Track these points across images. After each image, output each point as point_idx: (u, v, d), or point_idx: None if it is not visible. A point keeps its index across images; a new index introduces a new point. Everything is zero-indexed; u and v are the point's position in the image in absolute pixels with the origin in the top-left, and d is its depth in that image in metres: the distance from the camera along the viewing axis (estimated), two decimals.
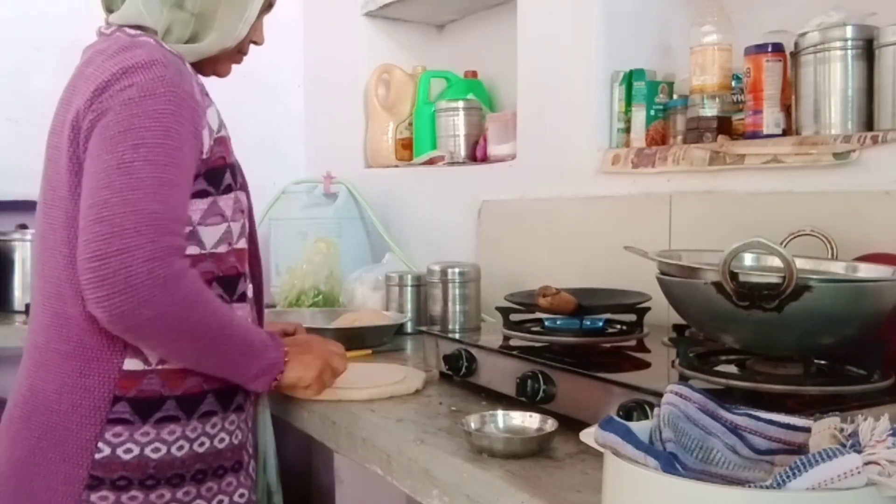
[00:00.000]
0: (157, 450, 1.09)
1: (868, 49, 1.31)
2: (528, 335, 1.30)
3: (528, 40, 1.91)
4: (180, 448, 1.11)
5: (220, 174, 1.15)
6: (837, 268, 1.13)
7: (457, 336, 1.42)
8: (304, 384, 1.22)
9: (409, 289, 1.92)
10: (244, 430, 1.20)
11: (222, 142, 1.16)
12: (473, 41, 2.51)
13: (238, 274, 1.18)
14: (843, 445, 0.65)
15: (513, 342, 1.31)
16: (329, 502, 2.52)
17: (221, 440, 1.15)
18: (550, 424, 1.03)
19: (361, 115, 2.59)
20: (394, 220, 2.35)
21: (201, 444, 1.13)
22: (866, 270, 1.09)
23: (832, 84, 1.33)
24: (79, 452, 1.08)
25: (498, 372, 1.24)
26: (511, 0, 2.02)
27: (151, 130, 1.02)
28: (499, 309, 1.38)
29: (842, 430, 0.68)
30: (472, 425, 1.04)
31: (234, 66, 1.30)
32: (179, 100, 1.06)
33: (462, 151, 2.26)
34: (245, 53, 1.29)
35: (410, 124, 2.47)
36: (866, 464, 0.60)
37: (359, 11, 2.57)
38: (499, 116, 2.17)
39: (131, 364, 1.09)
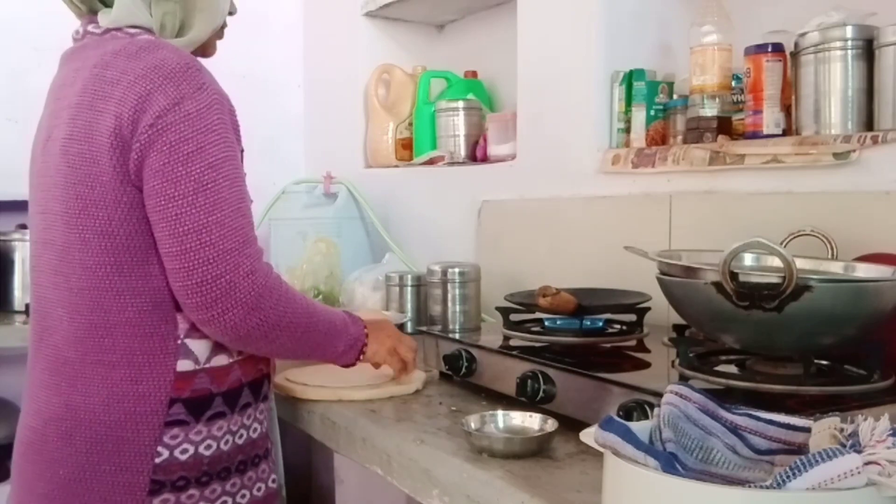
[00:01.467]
0: (209, 447, 1.11)
1: (868, 49, 1.31)
2: (528, 335, 1.30)
3: (528, 40, 1.91)
4: (226, 442, 1.13)
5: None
6: (837, 268, 1.13)
7: (457, 336, 1.42)
8: (379, 358, 1.29)
9: (409, 289, 1.92)
10: (268, 418, 1.23)
11: (238, 131, 1.17)
12: (473, 41, 2.51)
13: None
14: (843, 445, 0.65)
15: (513, 342, 1.31)
16: (329, 502, 2.52)
17: (255, 430, 1.18)
18: (550, 424, 1.03)
19: (361, 115, 2.59)
20: (394, 220, 2.35)
21: (241, 437, 1.15)
22: (866, 270, 1.09)
23: (832, 84, 1.33)
24: (137, 459, 1.07)
25: (498, 372, 1.24)
26: (511, 0, 2.02)
27: (217, 146, 1.06)
28: (499, 309, 1.38)
29: (842, 430, 0.68)
30: (472, 425, 1.04)
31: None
32: (222, 105, 1.09)
33: (462, 151, 2.26)
34: (226, 26, 1.28)
35: (410, 124, 2.47)
36: (866, 464, 0.60)
37: (359, 11, 2.57)
38: (499, 116, 2.17)
39: (184, 365, 1.10)
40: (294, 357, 1.22)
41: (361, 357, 1.26)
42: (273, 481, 1.21)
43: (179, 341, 1.10)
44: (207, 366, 1.12)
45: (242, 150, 1.17)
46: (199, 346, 1.11)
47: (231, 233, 1.05)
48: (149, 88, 1.04)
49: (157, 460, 1.08)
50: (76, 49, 1.19)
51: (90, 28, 1.18)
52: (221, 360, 1.13)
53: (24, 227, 2.35)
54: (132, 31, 1.15)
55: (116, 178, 1.06)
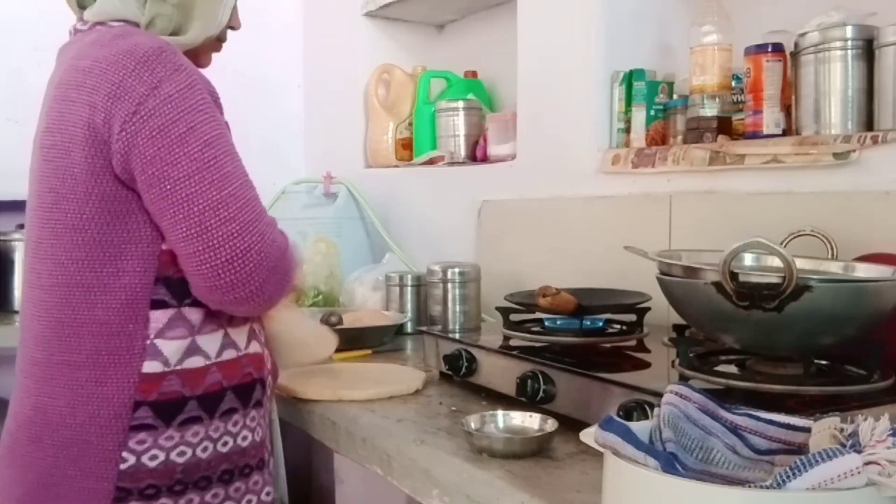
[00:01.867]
0: (182, 453, 1.05)
1: (868, 49, 1.31)
2: (528, 335, 1.30)
3: (528, 40, 1.91)
4: (205, 449, 1.07)
5: None
6: (837, 268, 1.13)
7: (457, 336, 1.42)
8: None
9: (409, 289, 1.92)
10: (264, 426, 1.17)
11: (221, 108, 1.16)
12: (473, 41, 2.51)
13: None
14: (843, 445, 0.65)
15: (513, 342, 1.31)
16: (329, 502, 2.52)
17: (244, 438, 1.12)
18: (550, 424, 1.03)
19: (361, 115, 2.59)
20: (394, 220, 2.35)
21: (224, 444, 1.09)
22: (866, 270, 1.09)
23: (832, 84, 1.33)
24: (102, 465, 1.03)
25: (498, 372, 1.24)
26: (511, 0, 2.02)
27: (208, 123, 1.03)
28: (499, 309, 1.38)
29: (842, 430, 0.68)
30: (472, 425, 1.04)
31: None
32: (203, 83, 1.06)
33: (462, 151, 2.26)
34: (224, 41, 1.26)
35: (410, 124, 2.47)
36: (866, 464, 0.60)
37: (359, 11, 2.57)
38: (499, 116, 2.17)
39: (150, 366, 1.05)
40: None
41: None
42: (267, 494, 1.15)
43: (148, 341, 1.05)
44: (179, 368, 1.06)
45: (228, 127, 1.14)
46: (170, 348, 1.06)
47: (247, 204, 1.02)
48: (122, 75, 1.01)
49: (123, 466, 1.03)
50: (65, 45, 1.18)
51: (78, 25, 1.17)
52: (196, 361, 1.07)
53: (23, 226, 2.35)
54: (115, 24, 1.13)
55: (88, 170, 1.03)
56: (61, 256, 1.05)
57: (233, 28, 1.26)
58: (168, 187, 1.00)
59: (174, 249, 1.04)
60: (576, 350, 1.25)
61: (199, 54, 1.22)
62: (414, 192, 2.33)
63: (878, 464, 0.60)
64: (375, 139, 2.53)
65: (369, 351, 1.68)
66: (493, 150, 2.14)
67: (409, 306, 1.91)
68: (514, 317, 1.37)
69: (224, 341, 1.10)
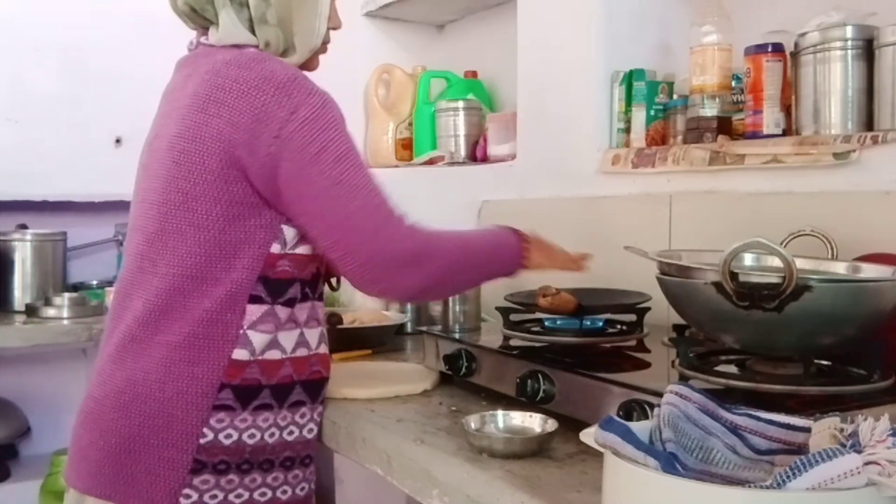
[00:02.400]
0: (252, 436, 1.16)
1: (868, 49, 1.31)
2: (528, 335, 1.30)
3: (528, 40, 1.91)
4: (272, 435, 1.17)
5: None
6: (837, 268, 1.13)
7: (457, 336, 1.42)
8: (543, 265, 1.32)
9: None
10: (320, 423, 1.26)
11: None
12: (473, 41, 2.51)
13: (319, 273, 1.26)
14: (843, 445, 0.65)
15: (513, 342, 1.31)
16: (329, 502, 2.52)
17: (310, 430, 1.23)
18: (550, 424, 1.03)
19: (361, 115, 2.59)
20: None
21: (290, 433, 1.20)
22: (866, 270, 1.09)
23: (832, 84, 1.33)
24: (184, 437, 1.13)
25: (498, 372, 1.24)
26: (511, 0, 2.02)
27: (337, 141, 1.14)
28: (499, 309, 1.38)
29: (842, 430, 0.68)
30: (472, 425, 1.04)
31: None
32: (332, 103, 1.17)
33: (462, 151, 2.26)
34: (328, 42, 1.33)
35: (410, 124, 2.47)
36: (866, 464, 0.60)
37: (359, 11, 2.57)
38: (499, 116, 2.17)
39: (239, 354, 1.15)
40: (471, 286, 1.36)
41: (525, 263, 1.29)
42: (314, 484, 1.26)
43: (241, 331, 1.15)
44: (260, 358, 1.16)
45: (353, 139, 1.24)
46: (257, 339, 1.16)
47: (373, 213, 1.15)
48: (263, 100, 1.12)
49: (202, 441, 1.13)
50: (189, 57, 1.28)
51: (203, 39, 1.26)
52: (274, 354, 1.18)
53: (24, 226, 2.35)
54: (241, 46, 1.21)
55: (221, 178, 1.13)
56: (182, 250, 1.15)
57: (334, 28, 1.33)
58: (308, 203, 1.13)
59: (325, 254, 1.18)
60: (576, 350, 1.25)
61: (308, 60, 1.32)
62: (414, 192, 2.32)
63: (878, 464, 0.60)
64: (375, 139, 2.53)
65: (369, 351, 1.68)
66: (493, 150, 2.14)
67: (409, 306, 1.91)
68: (514, 317, 1.37)
69: (299, 339, 1.21)
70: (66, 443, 1.23)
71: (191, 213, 1.15)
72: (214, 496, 1.14)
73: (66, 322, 2.12)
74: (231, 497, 1.15)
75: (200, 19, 1.25)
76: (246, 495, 1.16)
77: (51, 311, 2.16)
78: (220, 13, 1.21)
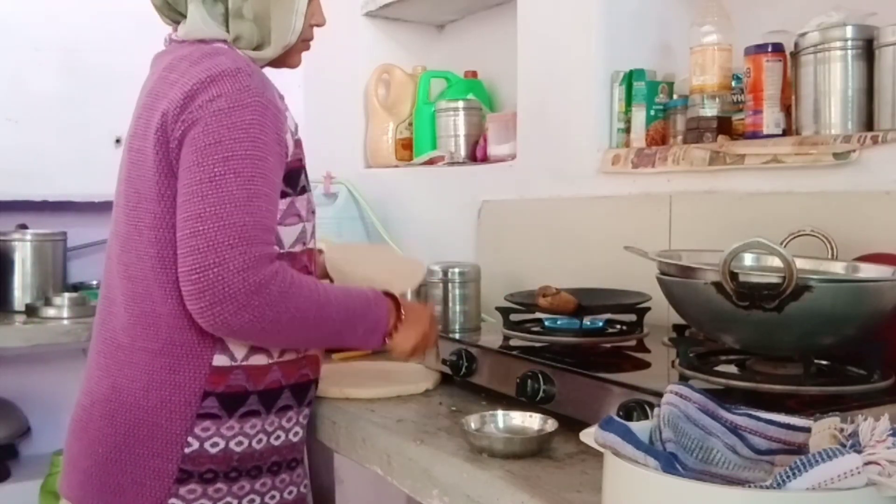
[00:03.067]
0: (240, 443, 1.14)
1: (868, 49, 1.31)
2: (528, 335, 1.30)
3: (528, 40, 1.91)
4: (259, 441, 1.16)
5: (296, 176, 1.19)
6: (837, 268, 1.13)
7: (457, 336, 1.42)
8: (401, 349, 1.24)
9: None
10: (305, 425, 1.25)
11: (299, 144, 1.20)
12: (473, 41, 2.51)
13: (309, 273, 1.22)
14: (843, 445, 0.65)
15: (513, 342, 1.31)
16: (329, 502, 2.52)
17: (296, 434, 1.21)
18: (550, 424, 1.03)
19: (361, 115, 2.59)
20: (394, 220, 2.35)
21: (277, 438, 1.18)
22: (866, 270, 1.09)
23: (832, 84, 1.33)
24: (168, 447, 1.11)
25: (498, 372, 1.24)
26: (511, 0, 2.02)
27: (240, 142, 1.06)
28: (499, 309, 1.38)
29: (842, 430, 0.68)
30: (472, 425, 1.04)
31: None
32: (264, 108, 1.10)
33: (462, 151, 2.26)
34: (311, 39, 1.30)
35: (410, 124, 2.47)
36: (866, 464, 0.60)
37: (359, 11, 2.56)
38: (499, 116, 2.17)
39: (220, 360, 1.12)
40: (312, 346, 1.22)
41: (387, 341, 1.22)
42: (305, 486, 1.24)
43: (219, 336, 1.12)
44: (244, 363, 1.14)
45: (305, 166, 1.20)
46: (237, 344, 1.13)
47: (228, 227, 1.03)
48: (195, 87, 1.09)
49: (187, 450, 1.11)
50: (160, 53, 1.26)
51: (173, 35, 1.24)
52: (260, 359, 1.15)
53: (24, 226, 2.35)
54: (207, 41, 1.19)
55: (160, 173, 1.11)
56: (142, 252, 1.13)
57: (318, 25, 1.30)
58: (182, 187, 1.07)
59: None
60: (576, 350, 1.25)
61: (287, 57, 1.29)
62: (414, 192, 2.33)
63: (878, 464, 0.60)
64: (375, 139, 2.52)
65: (369, 350, 1.68)
66: (493, 150, 2.14)
67: None
68: (514, 317, 1.37)
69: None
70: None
71: (144, 212, 1.12)
72: None
73: (66, 322, 2.12)
74: None
75: (173, 13, 1.22)
76: (235, 503, 1.14)
77: (51, 311, 2.16)
78: (190, 6, 1.18)
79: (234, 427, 1.13)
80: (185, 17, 1.20)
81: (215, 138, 1.06)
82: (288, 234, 1.18)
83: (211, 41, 1.18)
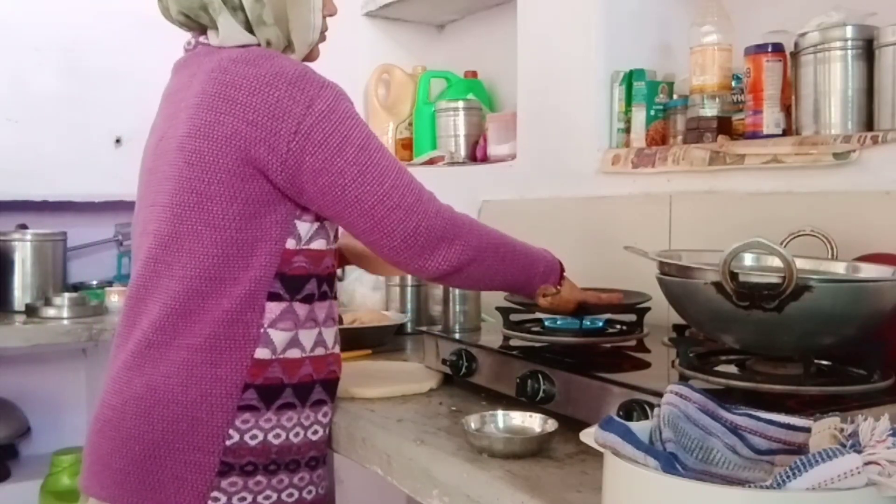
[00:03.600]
0: (277, 436, 1.15)
1: (868, 49, 1.31)
2: (528, 335, 1.29)
3: (528, 40, 1.91)
4: (297, 435, 1.17)
5: None
6: (838, 268, 1.13)
7: (457, 336, 1.42)
8: (565, 301, 1.30)
9: (409, 289, 1.92)
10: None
11: None
12: (473, 41, 2.51)
13: (332, 272, 1.25)
14: (843, 445, 0.65)
15: (513, 342, 1.31)
16: (329, 502, 2.52)
17: (326, 428, 1.22)
18: (550, 424, 1.03)
19: (361, 115, 2.59)
20: None
21: (315, 433, 1.19)
22: (866, 270, 1.09)
23: (832, 84, 1.33)
24: (210, 440, 1.12)
25: (498, 372, 1.24)
26: (511, 0, 2.02)
27: (356, 129, 1.15)
28: (499, 309, 1.38)
29: (842, 430, 0.68)
30: (472, 425, 1.04)
31: None
32: (343, 93, 1.18)
33: (462, 151, 2.26)
34: (326, 30, 1.34)
35: (410, 124, 2.47)
36: (866, 464, 0.60)
37: (359, 11, 2.57)
38: (499, 116, 2.17)
39: (262, 353, 1.14)
40: (504, 281, 1.27)
41: (559, 287, 1.29)
42: (328, 483, 1.25)
43: (262, 329, 1.14)
44: (282, 356, 1.16)
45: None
46: (278, 337, 1.15)
47: (406, 190, 1.15)
48: (277, 95, 1.11)
49: (228, 443, 1.12)
50: (189, 57, 1.26)
51: (202, 39, 1.25)
52: (294, 353, 1.17)
53: (24, 226, 2.35)
54: (244, 45, 1.21)
55: (237, 176, 1.12)
56: (198, 251, 1.13)
57: (330, 15, 1.32)
58: (339, 192, 1.12)
59: (361, 242, 1.19)
60: (576, 350, 1.25)
61: (310, 52, 1.32)
62: None
63: (878, 464, 0.60)
64: None
65: (369, 351, 1.68)
66: (493, 150, 2.14)
67: (409, 306, 1.91)
68: (514, 317, 1.37)
69: (317, 339, 1.20)
70: (67, 443, 1.22)
71: (206, 213, 1.13)
72: (243, 498, 1.13)
73: (66, 322, 2.12)
74: (260, 499, 1.14)
75: (196, 25, 1.24)
76: (274, 496, 1.15)
77: (51, 311, 2.16)
78: (218, 19, 1.20)
79: (271, 419, 1.15)
80: (208, 27, 1.22)
81: (341, 136, 1.13)
82: (306, 227, 1.19)
83: (247, 45, 1.20)
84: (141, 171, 1.27)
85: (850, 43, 1.31)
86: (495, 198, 2.01)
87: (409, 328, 1.89)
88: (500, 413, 1.08)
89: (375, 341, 1.73)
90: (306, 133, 1.11)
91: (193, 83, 1.18)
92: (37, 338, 2.08)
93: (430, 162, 2.31)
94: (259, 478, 1.14)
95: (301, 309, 1.17)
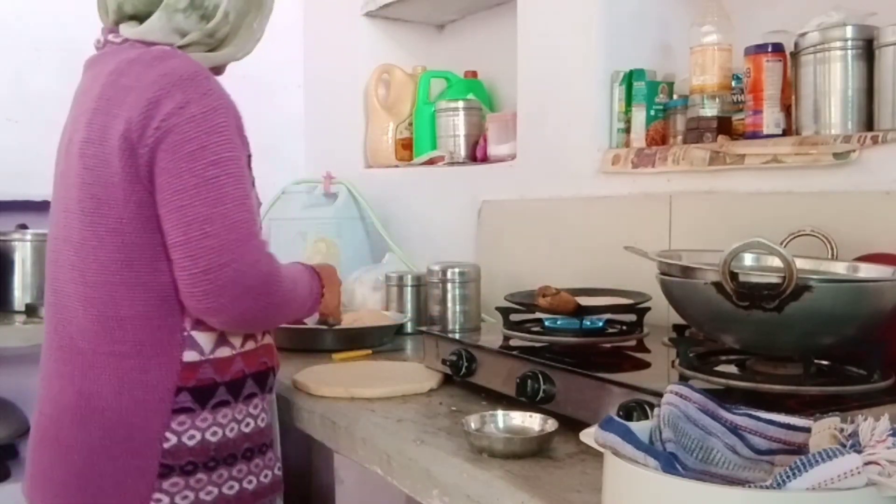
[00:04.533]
0: (214, 433, 1.17)
1: (868, 49, 1.31)
2: (528, 335, 1.29)
3: (528, 40, 1.91)
4: (232, 430, 1.19)
5: (249, 170, 1.22)
6: (838, 268, 1.13)
7: (457, 336, 1.42)
8: (328, 310, 1.37)
9: (409, 289, 1.92)
10: (272, 410, 1.30)
11: (246, 139, 1.22)
12: (473, 41, 2.51)
13: None
14: (843, 445, 0.65)
15: (513, 342, 1.31)
16: (329, 502, 2.52)
17: (262, 419, 1.25)
18: (550, 424, 1.03)
19: (361, 115, 2.59)
20: (394, 220, 2.35)
21: (247, 425, 1.22)
22: (866, 270, 1.09)
23: (832, 84, 1.33)
24: (147, 445, 1.14)
25: (498, 372, 1.24)
26: (511, 0, 2.02)
27: (221, 145, 1.11)
28: (499, 309, 1.38)
29: (842, 430, 0.68)
30: (472, 425, 1.04)
31: (234, 67, 1.36)
32: (227, 109, 1.15)
33: (462, 151, 2.26)
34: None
35: (410, 124, 2.47)
36: (866, 464, 0.60)
37: (359, 11, 2.57)
38: (499, 116, 2.17)
39: (190, 355, 1.16)
40: (288, 322, 1.33)
41: (318, 307, 1.34)
42: (279, 469, 1.27)
43: (186, 333, 1.16)
44: (211, 357, 1.18)
45: (250, 156, 1.22)
46: (204, 339, 1.17)
47: (235, 224, 1.09)
48: (158, 94, 1.10)
49: (166, 445, 1.14)
50: (96, 57, 1.27)
51: (110, 38, 1.25)
52: (224, 351, 1.19)
53: (24, 226, 2.35)
54: (153, 44, 1.21)
55: (126, 179, 1.11)
56: (104, 257, 1.14)
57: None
58: (169, 196, 1.10)
59: (169, 252, 1.13)
60: (576, 350, 1.25)
61: (220, 66, 1.31)
62: (414, 192, 2.33)
63: (878, 464, 0.60)
64: (375, 139, 2.52)
65: (369, 351, 1.68)
66: (493, 150, 2.14)
67: (409, 306, 1.91)
68: (514, 317, 1.37)
69: (245, 333, 1.22)
70: None
71: (105, 218, 1.13)
72: (185, 497, 1.15)
73: None
74: (202, 495, 1.16)
75: (127, 17, 1.23)
76: (215, 491, 1.17)
77: None
78: (160, 15, 1.19)
79: (207, 418, 1.17)
80: (130, 18, 1.23)
81: (199, 144, 1.09)
82: None
83: (154, 44, 1.21)
84: (55, 173, 1.27)
85: (850, 43, 1.31)
86: (495, 198, 2.01)
87: (409, 328, 1.89)
88: (500, 413, 1.08)
89: (375, 341, 1.73)
90: (168, 129, 1.09)
91: (94, 86, 1.19)
92: (37, 338, 2.06)
93: (430, 162, 2.31)
94: (200, 475, 1.16)
95: None
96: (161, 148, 1.09)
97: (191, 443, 1.15)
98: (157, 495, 1.13)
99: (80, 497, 1.15)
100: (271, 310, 1.16)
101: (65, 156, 1.23)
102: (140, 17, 1.22)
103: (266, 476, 1.24)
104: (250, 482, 1.21)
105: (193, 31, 1.22)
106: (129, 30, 1.22)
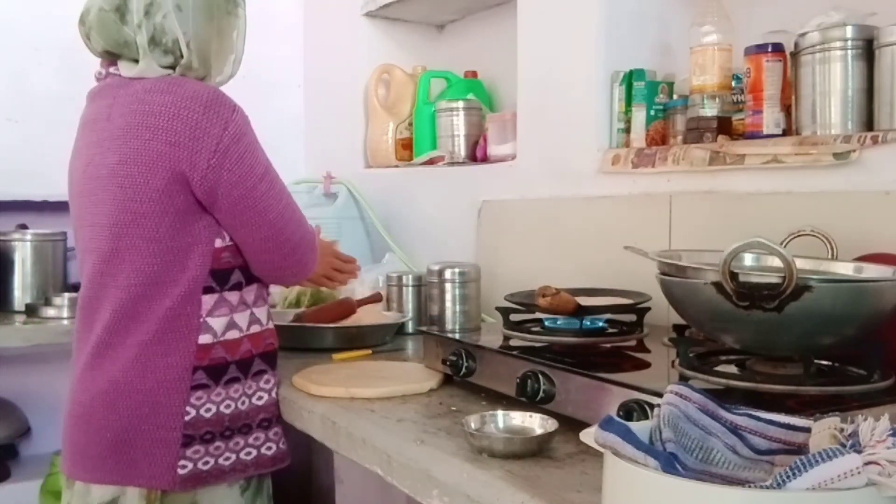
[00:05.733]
0: (228, 406, 1.33)
1: (868, 49, 1.31)
2: (528, 335, 1.29)
3: (528, 40, 1.91)
4: (243, 403, 1.35)
5: None
6: (838, 268, 1.13)
7: (457, 336, 1.42)
8: (314, 279, 1.62)
9: (409, 289, 1.92)
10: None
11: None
12: (473, 41, 2.51)
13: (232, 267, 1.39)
14: (843, 445, 0.65)
15: (513, 342, 1.31)
16: (329, 502, 2.52)
17: (275, 392, 1.40)
18: (550, 424, 1.03)
19: (361, 115, 2.59)
20: (394, 220, 2.35)
21: (259, 398, 1.37)
22: (866, 270, 1.09)
23: (832, 84, 1.33)
24: (170, 418, 1.29)
25: (498, 372, 1.24)
26: (511, 0, 2.02)
27: (261, 151, 1.35)
28: (499, 309, 1.38)
29: (842, 430, 0.68)
30: (472, 425, 1.04)
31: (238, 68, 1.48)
32: (246, 116, 1.33)
33: (462, 151, 2.26)
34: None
35: (410, 124, 2.47)
36: (866, 464, 0.60)
37: (359, 12, 2.57)
38: (499, 116, 2.17)
39: (204, 339, 1.32)
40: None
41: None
42: (283, 442, 1.41)
43: (201, 319, 1.32)
44: (222, 339, 1.33)
45: None
46: (216, 323, 1.33)
47: (294, 207, 1.40)
48: (195, 118, 1.26)
49: (187, 418, 1.30)
50: (102, 88, 1.39)
51: (112, 70, 1.38)
52: (233, 334, 1.35)
53: (24, 226, 2.35)
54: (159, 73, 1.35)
55: (166, 193, 1.27)
56: (139, 262, 1.30)
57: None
58: (251, 203, 1.31)
59: (248, 253, 1.35)
60: (576, 350, 1.25)
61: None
62: (414, 192, 2.33)
63: (878, 464, 0.60)
64: (375, 139, 2.53)
65: (369, 351, 1.68)
66: (493, 150, 2.14)
67: (409, 306, 1.91)
68: (514, 317, 1.37)
69: (251, 318, 1.39)
70: None
71: (142, 228, 1.29)
72: (206, 462, 1.31)
73: (66, 322, 2.12)
74: (221, 461, 1.32)
75: (113, 57, 1.36)
76: (234, 457, 1.33)
77: (51, 311, 2.16)
78: (143, 59, 1.32)
79: (221, 393, 1.33)
80: (125, 58, 1.35)
81: (252, 158, 1.32)
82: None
83: (166, 74, 1.34)
84: (72, 193, 1.43)
85: (850, 43, 1.31)
86: (495, 198, 2.01)
87: (409, 328, 1.89)
88: (500, 413, 1.08)
89: (375, 341, 1.74)
90: (224, 151, 1.27)
91: (112, 115, 1.32)
92: (37, 338, 2.08)
93: (430, 162, 2.31)
94: (218, 443, 1.32)
95: (232, 296, 1.35)
96: (225, 168, 1.28)
97: (207, 415, 1.31)
98: (182, 461, 1.29)
99: (115, 467, 1.29)
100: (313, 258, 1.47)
101: (81, 177, 1.38)
102: (115, 55, 1.36)
103: (284, 444, 1.39)
104: (269, 448, 1.37)
105: (176, 66, 1.35)
106: (129, 69, 1.35)
